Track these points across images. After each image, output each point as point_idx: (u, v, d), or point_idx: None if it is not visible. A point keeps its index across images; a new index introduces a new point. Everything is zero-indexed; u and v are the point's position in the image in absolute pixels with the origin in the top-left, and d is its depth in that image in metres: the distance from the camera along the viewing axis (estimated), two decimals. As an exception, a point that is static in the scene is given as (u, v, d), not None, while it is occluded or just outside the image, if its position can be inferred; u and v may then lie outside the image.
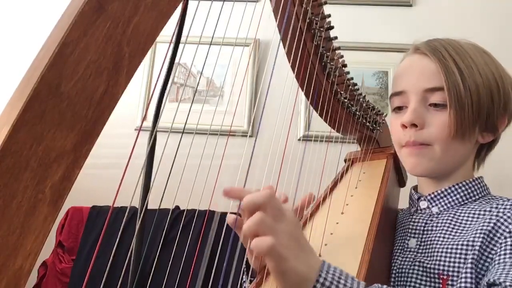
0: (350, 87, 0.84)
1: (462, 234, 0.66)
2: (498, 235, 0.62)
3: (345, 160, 1.02)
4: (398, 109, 0.76)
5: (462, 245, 0.64)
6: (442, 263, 0.64)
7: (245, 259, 0.66)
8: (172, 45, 0.49)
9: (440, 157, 0.70)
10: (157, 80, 0.49)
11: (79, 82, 0.34)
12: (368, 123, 0.95)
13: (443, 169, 0.73)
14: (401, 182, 0.99)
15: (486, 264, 0.61)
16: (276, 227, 0.45)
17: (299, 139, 1.69)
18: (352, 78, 0.85)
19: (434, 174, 0.75)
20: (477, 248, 0.62)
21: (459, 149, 0.71)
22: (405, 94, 0.73)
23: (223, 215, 0.63)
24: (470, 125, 0.68)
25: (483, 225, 0.64)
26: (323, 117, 0.81)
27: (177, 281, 0.63)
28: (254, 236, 0.45)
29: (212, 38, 0.55)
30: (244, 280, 0.74)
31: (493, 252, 0.61)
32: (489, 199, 0.72)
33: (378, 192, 0.79)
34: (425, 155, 0.71)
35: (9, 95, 0.33)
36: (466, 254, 0.62)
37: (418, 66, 0.73)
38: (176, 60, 0.49)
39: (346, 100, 0.84)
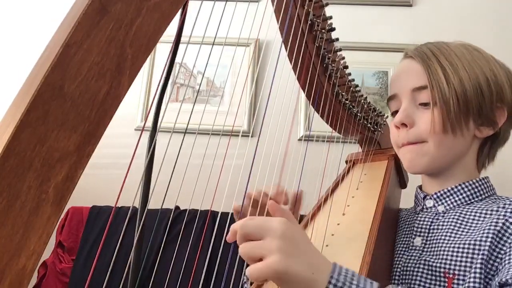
0: (351, 88, 0.84)
1: (469, 233, 0.66)
2: (507, 235, 0.62)
3: (346, 162, 1.02)
4: (395, 113, 0.77)
5: (469, 244, 0.63)
6: (448, 262, 0.64)
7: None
8: (172, 46, 0.49)
9: (433, 152, 0.71)
10: (159, 81, 0.49)
11: (82, 83, 0.34)
12: (369, 125, 0.95)
13: (440, 164, 0.73)
14: (402, 183, 0.99)
15: (496, 264, 0.60)
16: (261, 245, 0.45)
17: (299, 139, 1.69)
18: (353, 80, 0.85)
19: (432, 170, 0.75)
20: (486, 248, 0.61)
21: (453, 144, 0.71)
22: (397, 97, 0.76)
23: (224, 215, 0.63)
24: (458, 119, 0.69)
25: (490, 225, 0.63)
26: (325, 118, 0.81)
27: (178, 281, 0.63)
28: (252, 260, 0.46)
29: (215, 38, 0.55)
30: (245, 281, 0.74)
31: (502, 252, 0.61)
32: (495, 198, 0.72)
33: (379, 193, 0.79)
34: (418, 152, 0.72)
35: (13, 96, 0.33)
36: (473, 254, 0.62)
37: (405, 69, 0.76)
38: (177, 60, 0.50)
39: (347, 102, 0.84)
